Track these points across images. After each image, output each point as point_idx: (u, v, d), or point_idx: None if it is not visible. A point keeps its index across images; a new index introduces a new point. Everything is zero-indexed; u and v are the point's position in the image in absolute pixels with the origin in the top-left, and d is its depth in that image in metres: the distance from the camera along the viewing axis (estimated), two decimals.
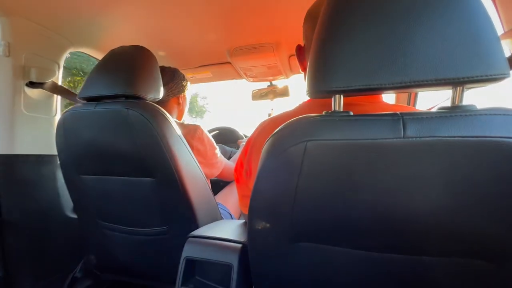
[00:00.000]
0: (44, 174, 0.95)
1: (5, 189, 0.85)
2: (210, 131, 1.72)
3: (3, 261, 0.86)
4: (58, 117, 1.00)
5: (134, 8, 0.84)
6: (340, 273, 0.41)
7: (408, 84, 0.30)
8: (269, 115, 1.56)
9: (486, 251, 0.33)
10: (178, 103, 1.04)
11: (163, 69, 0.97)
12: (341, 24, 0.33)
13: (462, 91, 0.31)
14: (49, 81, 0.92)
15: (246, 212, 0.51)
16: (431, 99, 1.22)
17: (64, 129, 0.74)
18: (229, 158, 1.36)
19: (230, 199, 1.19)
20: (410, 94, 1.21)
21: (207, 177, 0.92)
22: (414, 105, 1.22)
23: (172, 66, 1.05)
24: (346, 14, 0.33)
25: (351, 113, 0.34)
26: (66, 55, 1.00)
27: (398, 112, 0.32)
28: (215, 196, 1.18)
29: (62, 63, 0.99)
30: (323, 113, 0.36)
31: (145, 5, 0.83)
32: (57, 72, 0.96)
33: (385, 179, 0.32)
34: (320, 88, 0.34)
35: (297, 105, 0.58)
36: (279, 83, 1.55)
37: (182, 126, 0.93)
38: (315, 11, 0.55)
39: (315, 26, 0.54)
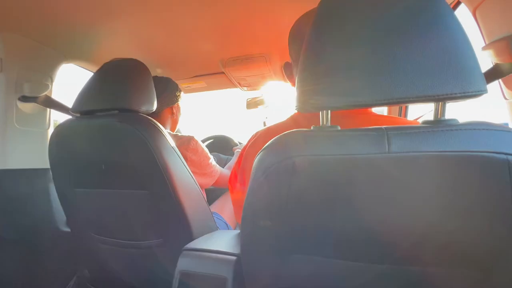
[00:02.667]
0: (37, 188, 0.94)
1: None
2: (204, 140, 1.72)
3: None
4: (51, 130, 1.00)
5: (128, 21, 0.86)
6: (333, 284, 0.41)
7: (391, 101, 0.31)
8: (264, 123, 1.57)
9: (474, 261, 0.33)
10: (172, 113, 1.04)
11: (156, 80, 0.98)
12: (326, 44, 0.34)
13: (444, 105, 0.33)
14: (42, 94, 0.92)
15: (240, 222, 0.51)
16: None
17: (57, 142, 0.73)
18: (224, 166, 1.36)
19: (226, 208, 1.19)
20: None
21: (202, 186, 0.92)
22: (405, 115, 1.24)
23: (165, 77, 1.06)
24: (331, 34, 0.34)
25: (339, 128, 0.35)
26: (59, 68, 1.01)
27: (383, 127, 0.33)
28: (211, 206, 1.17)
29: (55, 77, 0.99)
30: (312, 127, 0.37)
31: (138, 18, 0.84)
32: (50, 85, 0.96)
33: (372, 193, 0.32)
34: (308, 104, 0.35)
35: (289, 116, 0.59)
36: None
37: (176, 137, 0.93)
38: (296, 31, 0.58)
39: (297, 45, 0.56)
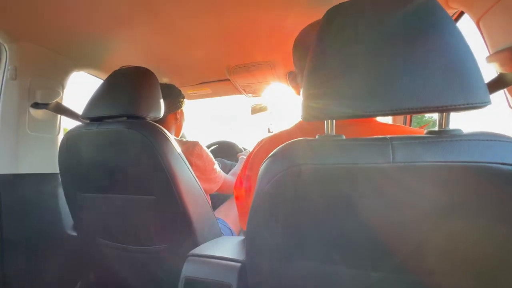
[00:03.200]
0: (46, 192, 0.96)
1: (7, 207, 0.86)
2: (209, 146, 1.73)
3: (3, 280, 0.86)
4: (61, 136, 1.02)
5: (137, 30, 0.88)
6: None
7: (395, 112, 0.32)
8: (268, 129, 1.58)
9: (477, 271, 0.33)
10: (176, 119, 1.06)
11: (160, 86, 1.00)
12: (331, 55, 0.35)
13: (448, 116, 0.33)
14: (53, 101, 0.94)
15: (245, 228, 0.52)
16: None
17: (67, 148, 0.75)
18: (228, 171, 1.37)
19: (230, 214, 1.19)
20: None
21: (206, 192, 0.93)
22: (410, 123, 1.24)
23: (171, 83, 1.08)
24: (335, 45, 0.35)
25: (343, 137, 0.36)
26: (70, 76, 1.04)
27: (387, 136, 0.33)
28: (215, 211, 1.18)
29: (66, 84, 1.02)
30: (317, 136, 0.37)
31: (147, 27, 0.86)
32: (61, 92, 0.99)
33: (375, 201, 0.33)
34: (313, 113, 0.35)
35: (294, 123, 0.60)
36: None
37: (181, 142, 0.94)
38: (300, 41, 0.59)
39: (301, 55, 0.58)
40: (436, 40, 0.32)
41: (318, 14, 0.59)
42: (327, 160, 0.33)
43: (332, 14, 0.38)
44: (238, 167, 1.31)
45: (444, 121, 0.33)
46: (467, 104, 0.30)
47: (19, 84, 0.87)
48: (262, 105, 1.56)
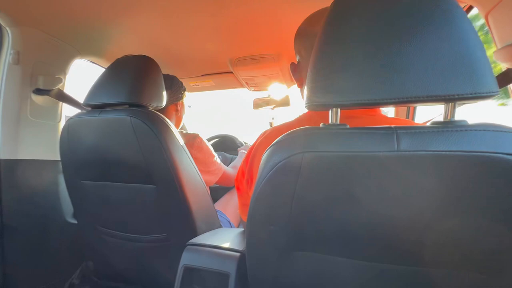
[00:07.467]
0: (46, 179, 0.96)
1: (7, 193, 0.86)
2: (210, 139, 1.73)
3: (2, 266, 0.86)
4: (62, 123, 1.02)
5: (140, 19, 0.87)
6: (337, 282, 0.42)
7: (401, 100, 0.31)
8: (270, 124, 1.58)
9: (478, 263, 0.33)
10: (176, 110, 1.06)
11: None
12: (337, 41, 0.35)
13: (454, 107, 0.33)
14: (55, 88, 0.94)
15: (246, 220, 0.52)
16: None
17: (68, 135, 0.75)
18: (229, 165, 1.37)
19: (230, 206, 1.20)
20: (409, 107, 1.23)
21: (206, 184, 0.93)
22: (413, 118, 1.23)
23: (174, 75, 1.08)
24: (343, 32, 0.35)
25: (348, 126, 0.36)
26: (72, 63, 1.03)
27: (392, 126, 0.33)
28: (215, 204, 1.18)
29: (68, 71, 1.02)
30: (321, 125, 0.37)
31: (150, 16, 0.86)
32: (63, 79, 0.99)
33: (379, 190, 0.33)
34: (318, 102, 0.35)
35: (298, 115, 0.60)
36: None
37: (182, 134, 0.94)
38: (304, 30, 0.58)
39: (304, 44, 0.57)
40: (445, 29, 0.31)
41: (322, 5, 0.58)
42: (330, 148, 0.33)
43: (339, 3, 0.37)
44: (238, 161, 1.31)
45: (449, 112, 0.33)
46: (475, 93, 0.29)
47: (21, 70, 0.87)
48: (265, 99, 1.55)
